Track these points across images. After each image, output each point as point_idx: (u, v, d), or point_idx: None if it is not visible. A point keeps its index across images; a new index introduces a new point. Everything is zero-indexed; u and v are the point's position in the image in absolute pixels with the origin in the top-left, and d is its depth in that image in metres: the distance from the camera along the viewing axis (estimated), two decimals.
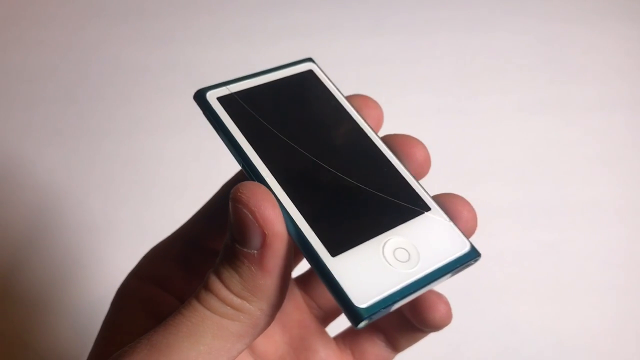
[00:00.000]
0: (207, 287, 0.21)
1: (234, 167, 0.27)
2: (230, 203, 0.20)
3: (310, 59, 0.27)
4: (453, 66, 0.62)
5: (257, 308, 0.21)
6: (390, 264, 0.21)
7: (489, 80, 0.61)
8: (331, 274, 0.20)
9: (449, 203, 0.24)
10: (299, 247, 0.21)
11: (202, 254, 0.27)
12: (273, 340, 0.27)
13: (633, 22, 0.67)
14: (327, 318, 0.29)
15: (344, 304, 0.20)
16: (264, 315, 0.21)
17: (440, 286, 0.23)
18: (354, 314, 0.19)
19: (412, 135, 0.25)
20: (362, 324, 0.19)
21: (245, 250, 0.20)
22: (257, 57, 0.62)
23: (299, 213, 0.21)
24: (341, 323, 0.29)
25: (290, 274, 0.21)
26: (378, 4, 0.68)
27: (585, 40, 0.65)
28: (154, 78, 0.60)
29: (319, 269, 0.20)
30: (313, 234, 0.21)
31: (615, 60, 0.64)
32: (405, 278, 0.21)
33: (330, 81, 0.26)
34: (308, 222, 0.21)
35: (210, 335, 0.20)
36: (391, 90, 0.59)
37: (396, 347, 0.28)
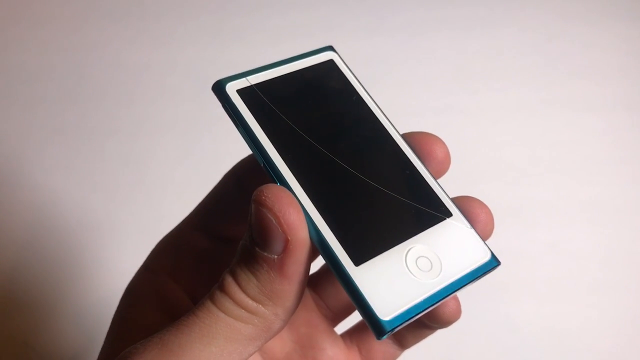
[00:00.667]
0: (223, 289, 0.21)
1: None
2: (252, 205, 0.20)
3: (330, 47, 0.26)
4: (453, 66, 0.62)
5: (271, 312, 0.20)
6: (413, 274, 0.20)
7: (489, 79, 0.61)
8: (355, 284, 0.20)
9: (466, 206, 0.23)
10: (321, 254, 0.21)
11: (212, 240, 0.27)
12: (280, 338, 0.27)
13: (633, 22, 0.67)
14: (335, 318, 0.29)
15: (368, 316, 0.19)
16: (278, 320, 0.21)
17: None
18: (378, 326, 0.19)
19: (432, 133, 0.25)
20: (385, 336, 0.19)
21: (265, 254, 0.20)
22: (257, 57, 0.62)
23: (322, 219, 0.21)
24: (348, 319, 0.29)
25: (306, 280, 0.21)
26: (378, 4, 0.68)
27: (586, 40, 0.65)
28: (155, 78, 0.60)
29: (343, 278, 0.20)
30: (337, 241, 0.20)
31: (615, 60, 0.63)
32: (428, 289, 0.20)
33: (351, 71, 0.25)
34: (331, 229, 0.21)
35: (223, 338, 0.20)
36: (391, 90, 0.59)
37: (403, 344, 0.28)
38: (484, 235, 0.23)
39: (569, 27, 0.66)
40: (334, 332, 0.29)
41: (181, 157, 0.54)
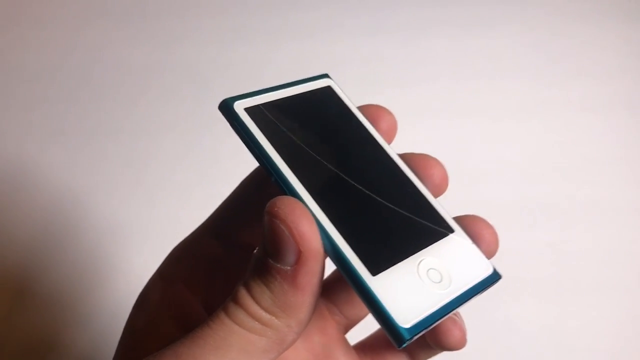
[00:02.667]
0: (236, 301, 0.21)
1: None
2: (265, 217, 0.20)
3: (326, 75, 0.27)
4: (453, 66, 0.62)
5: (285, 324, 0.20)
6: (426, 285, 0.21)
7: (489, 80, 0.61)
8: (373, 293, 0.20)
9: (471, 225, 0.24)
10: (336, 265, 0.21)
11: (229, 248, 0.27)
12: (294, 347, 0.27)
13: (633, 22, 0.67)
14: (348, 325, 0.29)
15: (387, 324, 0.19)
16: (291, 332, 0.21)
17: None
18: (398, 334, 0.19)
19: (429, 154, 0.25)
20: (405, 344, 0.19)
21: (278, 265, 0.20)
22: (257, 57, 0.62)
23: (336, 230, 0.21)
24: (358, 328, 0.29)
25: (319, 292, 0.21)
26: (378, 4, 0.68)
27: (586, 40, 0.65)
28: (156, 78, 0.60)
29: (360, 289, 0.20)
30: (352, 252, 0.21)
31: (615, 60, 0.64)
32: (441, 298, 0.21)
33: (347, 97, 0.26)
34: (346, 241, 0.21)
35: (237, 350, 0.20)
36: (391, 90, 0.59)
37: (415, 358, 0.27)
38: (489, 254, 0.24)
39: (569, 27, 0.66)
40: (347, 341, 0.29)
41: (181, 157, 0.54)
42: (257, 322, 0.20)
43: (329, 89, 0.26)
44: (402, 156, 0.25)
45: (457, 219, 0.24)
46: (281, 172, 0.22)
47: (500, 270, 0.23)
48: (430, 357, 0.27)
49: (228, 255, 0.27)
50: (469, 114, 0.59)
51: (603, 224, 0.51)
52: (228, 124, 0.23)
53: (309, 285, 0.20)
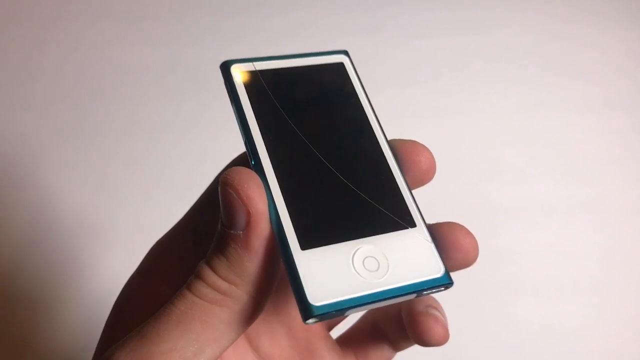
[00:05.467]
0: (197, 275, 0.21)
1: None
2: (219, 188, 0.21)
3: (345, 52, 0.27)
4: (453, 66, 0.62)
5: (243, 292, 0.21)
6: (355, 270, 0.21)
7: (489, 80, 0.61)
8: (295, 266, 0.20)
9: (450, 232, 0.23)
10: (275, 234, 0.21)
11: (206, 241, 0.27)
12: (279, 344, 0.27)
13: (633, 22, 0.67)
14: (332, 323, 0.29)
15: (299, 297, 0.20)
16: (252, 301, 0.21)
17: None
18: (305, 309, 0.20)
19: (418, 140, 0.25)
20: (310, 321, 0.20)
21: (232, 232, 0.21)
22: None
23: (282, 200, 0.22)
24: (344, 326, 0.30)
25: (278, 260, 0.21)
26: (378, 4, 0.68)
27: (585, 40, 0.65)
28: (155, 78, 0.60)
29: (285, 259, 0.21)
30: (290, 223, 0.21)
31: (615, 60, 0.64)
32: (366, 287, 0.21)
33: (358, 78, 0.26)
34: (289, 211, 0.21)
35: (199, 322, 0.20)
36: (391, 90, 0.59)
37: (397, 347, 0.28)
38: (466, 263, 0.23)
39: (569, 27, 0.66)
40: (331, 338, 0.29)
41: (181, 157, 0.54)
42: (217, 292, 0.21)
43: (340, 66, 0.26)
44: (391, 142, 0.25)
45: (437, 226, 0.23)
46: (251, 135, 0.23)
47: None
48: (410, 345, 0.27)
49: (206, 250, 0.27)
50: (468, 114, 0.59)
51: (603, 224, 0.51)
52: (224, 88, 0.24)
53: (261, 247, 0.21)
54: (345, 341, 0.29)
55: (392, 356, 0.28)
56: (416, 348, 0.28)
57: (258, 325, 0.26)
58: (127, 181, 0.53)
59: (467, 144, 0.56)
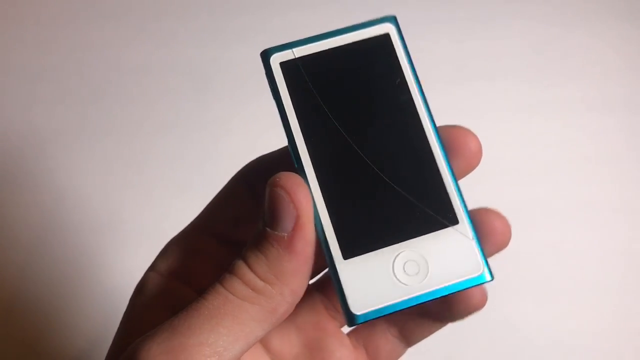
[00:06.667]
0: (232, 271, 0.22)
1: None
2: (267, 188, 0.21)
3: (392, 19, 0.26)
4: (453, 66, 0.62)
5: (278, 292, 0.21)
6: (396, 276, 0.21)
7: (488, 80, 0.61)
8: (338, 276, 0.21)
9: (483, 217, 0.24)
10: (318, 239, 0.22)
11: (220, 244, 0.27)
12: (289, 340, 0.27)
13: (632, 22, 0.67)
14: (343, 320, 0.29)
15: (343, 306, 0.21)
16: (284, 302, 0.21)
17: None
18: (348, 318, 0.21)
19: (467, 127, 0.25)
20: (354, 327, 0.21)
21: (275, 233, 0.21)
22: (257, 57, 0.62)
23: (325, 209, 0.22)
24: None
25: (312, 265, 0.22)
26: (378, 4, 0.68)
27: (585, 41, 0.65)
28: (155, 78, 0.60)
29: (330, 269, 0.21)
30: (332, 232, 0.21)
31: (615, 60, 0.64)
32: (407, 292, 0.21)
33: (405, 49, 0.25)
34: (331, 220, 0.22)
35: (230, 318, 0.21)
36: None
37: (410, 341, 0.28)
38: (501, 245, 0.24)
39: (569, 28, 0.66)
40: (342, 333, 0.29)
41: (181, 157, 0.54)
42: (250, 290, 0.21)
43: (385, 37, 0.25)
44: (440, 129, 0.24)
45: (471, 211, 0.23)
46: (294, 139, 0.22)
47: (496, 272, 0.23)
48: (426, 336, 0.28)
49: (220, 252, 0.27)
50: (468, 114, 0.59)
51: (602, 224, 0.51)
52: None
53: (303, 252, 0.21)
54: (356, 335, 0.29)
55: (403, 352, 0.28)
56: (417, 348, 0.28)
57: None
58: (127, 181, 0.53)
59: None
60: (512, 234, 0.24)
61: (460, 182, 0.24)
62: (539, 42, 0.65)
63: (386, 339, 0.28)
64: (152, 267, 0.27)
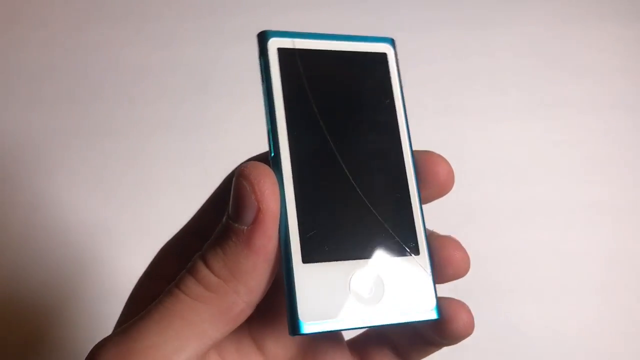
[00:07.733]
0: (188, 269, 0.21)
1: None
2: (234, 178, 0.20)
3: (391, 40, 0.26)
4: (453, 66, 0.62)
5: (232, 289, 0.20)
6: (350, 293, 0.20)
7: (489, 80, 0.61)
8: (293, 278, 0.20)
9: (444, 245, 0.23)
10: (279, 240, 0.21)
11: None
12: (284, 344, 0.27)
13: (632, 22, 0.67)
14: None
15: (290, 310, 0.20)
16: (239, 300, 0.20)
17: (439, 287, 0.23)
18: (293, 326, 0.19)
19: (435, 152, 0.24)
20: (295, 336, 0.20)
21: (236, 225, 0.20)
22: (256, 57, 0.61)
23: (294, 205, 0.21)
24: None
25: (275, 264, 0.21)
26: (378, 4, 0.68)
27: (586, 41, 0.65)
28: (155, 78, 0.60)
29: (285, 270, 0.20)
30: (297, 231, 0.20)
31: (615, 60, 0.63)
32: (356, 314, 0.20)
33: (398, 72, 0.25)
34: (298, 218, 0.20)
35: (179, 319, 0.20)
36: None
37: (406, 359, 0.27)
38: (458, 274, 0.23)
39: (569, 28, 0.66)
40: (337, 337, 0.28)
41: (181, 157, 0.54)
42: (203, 288, 0.20)
43: (383, 56, 0.25)
44: (415, 153, 0.24)
45: (431, 237, 0.23)
46: (275, 126, 0.21)
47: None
48: (423, 357, 0.27)
49: None
50: (469, 114, 0.58)
51: (603, 224, 0.51)
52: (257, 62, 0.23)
53: (262, 249, 0.20)
54: (352, 345, 0.28)
55: None
56: None
57: (263, 325, 0.26)
58: (127, 181, 0.53)
59: (467, 144, 0.56)
60: (469, 266, 0.23)
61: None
62: (540, 42, 0.65)
63: (383, 353, 0.27)
64: (146, 273, 0.27)
